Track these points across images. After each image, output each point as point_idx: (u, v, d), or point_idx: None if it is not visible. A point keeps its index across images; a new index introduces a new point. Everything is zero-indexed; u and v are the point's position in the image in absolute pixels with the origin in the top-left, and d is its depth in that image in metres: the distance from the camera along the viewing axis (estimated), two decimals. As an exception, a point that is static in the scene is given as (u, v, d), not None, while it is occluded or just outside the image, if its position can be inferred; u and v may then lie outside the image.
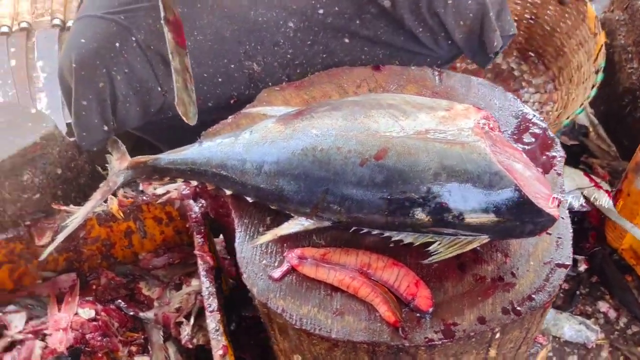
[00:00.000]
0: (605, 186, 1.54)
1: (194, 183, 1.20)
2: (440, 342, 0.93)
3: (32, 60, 1.86)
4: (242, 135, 1.10)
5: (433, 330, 0.94)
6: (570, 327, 1.48)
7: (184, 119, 1.25)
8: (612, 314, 1.52)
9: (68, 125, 1.55)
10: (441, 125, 1.00)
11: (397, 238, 1.00)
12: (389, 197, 0.96)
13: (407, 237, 1.00)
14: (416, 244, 1.00)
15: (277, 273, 1.01)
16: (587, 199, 1.51)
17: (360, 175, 0.98)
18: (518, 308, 0.96)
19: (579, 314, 1.52)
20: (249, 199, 1.08)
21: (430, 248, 0.98)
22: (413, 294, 0.96)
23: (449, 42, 1.42)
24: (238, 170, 1.07)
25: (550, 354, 1.46)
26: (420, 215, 0.96)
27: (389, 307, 0.95)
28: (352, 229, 1.03)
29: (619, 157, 1.76)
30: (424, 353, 0.95)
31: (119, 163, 1.22)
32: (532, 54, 1.98)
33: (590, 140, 1.82)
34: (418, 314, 0.95)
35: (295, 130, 1.05)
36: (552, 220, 0.95)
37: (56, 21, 1.95)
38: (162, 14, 1.23)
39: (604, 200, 1.48)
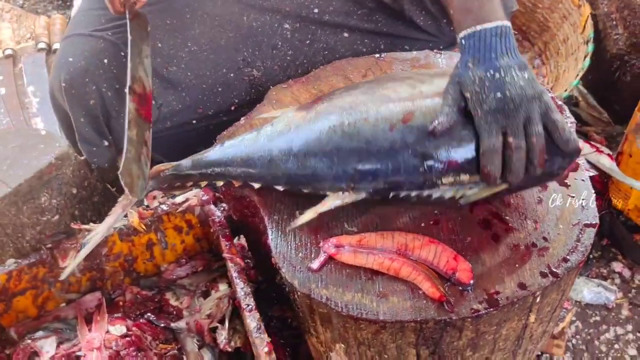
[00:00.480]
0: (606, 150, 1.57)
1: (219, 183, 1.18)
2: (485, 312, 0.94)
3: (22, 87, 1.85)
4: (264, 129, 1.11)
5: (477, 301, 0.95)
6: (589, 291, 1.52)
7: (127, 190, 1.11)
8: (627, 273, 1.56)
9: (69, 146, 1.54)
10: None
11: (437, 195, 1.02)
12: (423, 154, 0.98)
13: (448, 192, 1.02)
14: (457, 197, 1.02)
15: (315, 264, 1.02)
16: (591, 164, 1.54)
17: (391, 139, 0.99)
18: (555, 270, 0.98)
19: (595, 277, 1.56)
20: (280, 188, 1.09)
21: (468, 192, 1.01)
22: (453, 269, 0.97)
23: (452, 27, 1.43)
24: (266, 160, 1.07)
25: (574, 318, 1.49)
26: (455, 166, 0.98)
27: (432, 283, 0.96)
28: (391, 195, 1.03)
29: (612, 122, 1.81)
30: (470, 325, 0.96)
31: None
32: (516, 32, 2.03)
33: (581, 109, 1.86)
34: (460, 287, 0.97)
35: (319, 112, 1.06)
36: (577, 150, 1.00)
37: (41, 45, 1.94)
38: (128, 83, 1.17)
39: (607, 163, 1.52)
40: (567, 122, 1.08)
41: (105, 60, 1.30)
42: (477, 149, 0.96)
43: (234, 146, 1.11)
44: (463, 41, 0.98)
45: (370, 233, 1.03)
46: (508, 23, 0.97)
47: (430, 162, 0.98)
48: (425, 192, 1.02)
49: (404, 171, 1.00)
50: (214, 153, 1.14)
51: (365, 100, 1.04)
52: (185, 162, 1.16)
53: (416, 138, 0.98)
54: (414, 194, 1.02)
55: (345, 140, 1.01)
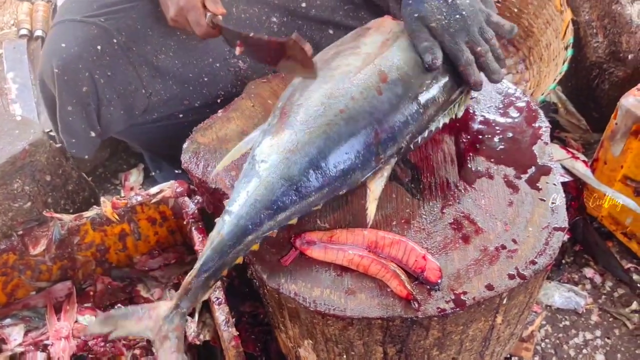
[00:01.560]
0: (582, 157, 1.59)
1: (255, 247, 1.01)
2: (452, 311, 0.95)
3: (2, 72, 1.83)
4: (259, 168, 0.99)
5: (444, 301, 0.96)
6: (560, 295, 1.53)
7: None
8: (598, 279, 1.58)
9: (47, 133, 1.53)
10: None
11: (436, 126, 1.12)
12: (416, 96, 1.06)
13: (444, 119, 1.13)
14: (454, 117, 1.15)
15: (286, 259, 1.02)
16: (566, 170, 1.56)
17: (387, 100, 1.03)
18: (523, 272, 0.99)
19: (566, 282, 1.57)
20: (319, 207, 1.03)
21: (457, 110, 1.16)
22: (422, 268, 0.98)
23: None
24: (292, 193, 0.97)
25: (544, 322, 1.50)
26: (445, 90, 1.10)
27: (400, 281, 0.97)
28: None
29: (590, 129, 1.83)
30: (436, 324, 0.97)
31: (160, 307, 0.98)
32: (502, 37, 2.04)
33: (560, 115, 1.88)
34: (428, 286, 0.98)
35: (304, 122, 1.01)
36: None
37: (23, 31, 1.92)
38: None
39: (582, 170, 1.53)
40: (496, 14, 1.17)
41: (99, 47, 1.29)
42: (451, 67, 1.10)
43: (245, 203, 0.96)
44: None
45: (341, 229, 1.03)
46: None
47: (426, 99, 1.07)
48: (432, 126, 1.11)
49: (412, 120, 1.05)
50: (225, 226, 0.96)
51: (332, 87, 1.04)
52: (206, 258, 0.96)
53: (403, 87, 1.05)
54: (421, 137, 1.10)
55: (352, 125, 1.01)
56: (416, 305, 0.95)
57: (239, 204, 0.97)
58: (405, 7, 1.11)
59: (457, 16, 1.08)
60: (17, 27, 1.95)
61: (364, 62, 1.08)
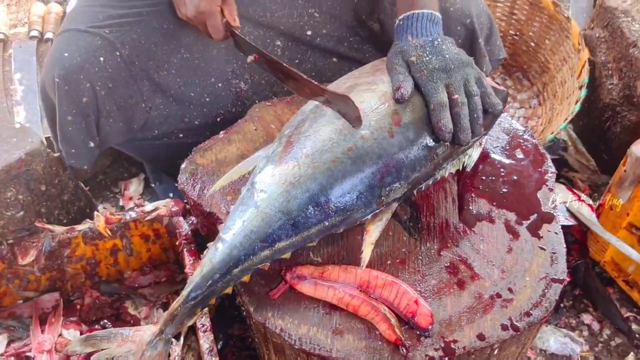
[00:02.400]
0: (588, 200, 1.56)
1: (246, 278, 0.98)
2: (440, 360, 0.93)
3: (9, 73, 1.82)
4: (258, 198, 0.96)
5: (433, 348, 0.93)
6: (555, 340, 1.50)
7: None
8: (596, 326, 1.54)
9: (47, 139, 1.51)
10: None
11: (442, 174, 1.09)
12: (426, 144, 1.03)
13: (451, 167, 1.10)
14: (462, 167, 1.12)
15: (274, 292, 1.00)
16: (570, 212, 1.53)
17: (398, 143, 1.01)
18: (516, 324, 0.96)
19: (563, 327, 1.53)
20: (314, 243, 1.00)
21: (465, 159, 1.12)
22: (413, 312, 0.95)
23: None
24: (289, 226, 0.95)
25: (538, 367, 1.47)
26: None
27: (389, 325, 0.94)
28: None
29: (599, 171, 1.80)
30: (424, 371, 0.95)
31: (144, 332, 0.97)
32: (517, 70, 2.02)
33: (569, 154, 1.85)
34: (418, 332, 0.95)
35: (309, 155, 0.99)
36: (500, 112, 1.11)
37: (34, 32, 1.91)
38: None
39: (587, 214, 1.51)
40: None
41: (102, 59, 1.28)
42: None
43: (239, 233, 0.94)
44: (401, 22, 1.12)
45: (334, 266, 1.01)
46: (439, 15, 1.13)
47: (436, 147, 1.04)
48: (439, 174, 1.08)
49: (419, 166, 1.03)
50: (217, 254, 0.94)
51: (343, 123, 1.01)
52: (194, 286, 0.93)
53: (415, 132, 1.02)
54: (425, 183, 1.07)
55: (358, 165, 0.98)
56: (404, 351, 0.93)
57: (233, 232, 0.95)
58: (392, 46, 1.13)
59: (440, 57, 1.06)
60: (28, 28, 1.94)
61: (379, 101, 1.05)
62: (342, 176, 0.97)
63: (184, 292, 0.94)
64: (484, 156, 1.19)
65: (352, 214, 0.99)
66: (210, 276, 0.93)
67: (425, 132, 1.03)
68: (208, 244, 0.99)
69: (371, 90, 1.07)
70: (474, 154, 1.13)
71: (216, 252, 0.94)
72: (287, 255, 0.98)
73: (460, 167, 1.12)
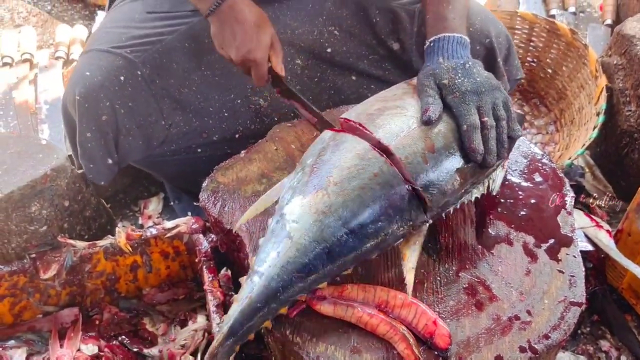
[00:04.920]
0: (606, 226, 1.55)
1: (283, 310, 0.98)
2: (458, 381, 0.93)
3: (35, 92, 1.86)
4: (290, 229, 0.96)
5: (451, 369, 0.94)
6: (573, 367, 1.48)
7: None
8: (614, 354, 1.52)
9: (69, 157, 1.54)
10: None
11: (475, 196, 1.09)
12: (460, 166, 1.04)
13: (478, 192, 1.10)
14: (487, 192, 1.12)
15: (292, 310, 0.99)
16: (588, 238, 1.53)
17: (430, 168, 1.01)
18: (535, 346, 0.96)
19: (581, 353, 1.52)
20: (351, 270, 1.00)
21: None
22: (431, 332, 0.95)
23: None
24: (323, 258, 0.95)
25: (555, 393, 1.45)
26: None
27: (408, 344, 0.94)
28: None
29: (616, 197, 1.79)
30: (441, 392, 0.94)
31: None
32: (535, 96, 2.03)
33: (587, 180, 1.85)
34: (436, 352, 0.95)
35: (334, 185, 0.98)
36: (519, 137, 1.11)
37: (60, 53, 1.96)
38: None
39: (605, 240, 1.50)
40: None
41: (122, 78, 1.31)
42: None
43: (275, 265, 0.93)
44: (432, 44, 1.16)
45: (353, 285, 1.01)
46: (468, 39, 1.17)
47: (467, 171, 1.05)
48: (460, 201, 1.08)
49: (450, 191, 1.03)
50: (255, 288, 0.93)
51: (364, 149, 1.02)
52: (234, 322, 0.92)
53: (447, 157, 1.04)
54: (454, 207, 1.07)
55: (387, 190, 0.98)
56: None
57: (269, 265, 0.94)
58: (423, 68, 1.15)
59: (472, 79, 1.08)
60: (54, 49, 1.99)
61: (409, 125, 1.05)
62: (373, 202, 0.97)
63: (224, 330, 0.92)
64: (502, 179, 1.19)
65: (386, 239, 0.98)
66: (250, 311, 0.92)
67: (457, 156, 1.04)
68: (240, 279, 0.98)
69: (401, 115, 1.08)
70: (498, 178, 1.13)
71: (253, 286, 0.93)
72: (324, 285, 0.97)
73: (485, 191, 1.12)
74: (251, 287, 0.93)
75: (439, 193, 1.02)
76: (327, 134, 1.09)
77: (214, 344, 0.93)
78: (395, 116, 1.07)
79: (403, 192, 0.99)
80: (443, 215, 1.06)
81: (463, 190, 1.06)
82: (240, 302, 0.93)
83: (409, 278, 0.98)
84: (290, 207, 0.98)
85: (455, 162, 1.04)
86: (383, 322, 0.96)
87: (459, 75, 1.09)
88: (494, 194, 1.13)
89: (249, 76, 1.25)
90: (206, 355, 0.93)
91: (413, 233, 1.02)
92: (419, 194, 1.00)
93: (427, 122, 1.05)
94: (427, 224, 1.04)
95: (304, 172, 1.03)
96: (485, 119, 1.05)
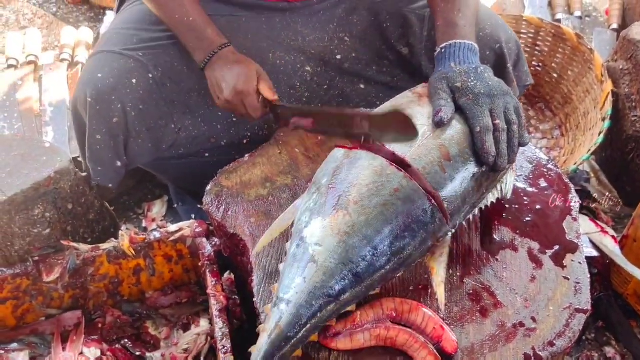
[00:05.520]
0: (611, 231, 1.54)
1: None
2: (462, 388, 0.92)
3: (39, 94, 1.86)
4: (314, 252, 0.93)
5: (456, 376, 0.93)
6: (578, 373, 1.47)
7: None
8: (619, 360, 1.52)
9: (74, 160, 1.54)
10: None
11: (490, 201, 1.11)
12: (476, 172, 1.05)
13: (493, 197, 1.11)
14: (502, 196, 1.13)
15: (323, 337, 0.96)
16: (593, 244, 1.52)
17: (449, 177, 1.02)
18: (539, 353, 0.96)
19: (585, 360, 1.51)
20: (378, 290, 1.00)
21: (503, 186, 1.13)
22: (439, 337, 0.95)
23: None
24: (351, 279, 0.92)
25: (559, 400, 1.44)
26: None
27: (430, 351, 0.93)
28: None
29: (622, 203, 1.78)
30: (446, 398, 0.94)
31: None
32: (540, 100, 2.02)
33: (592, 185, 1.84)
34: (442, 357, 0.94)
35: (355, 204, 0.96)
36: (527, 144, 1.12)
37: (64, 55, 1.96)
38: None
39: (610, 246, 1.49)
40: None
41: (134, 80, 1.31)
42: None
43: (303, 291, 0.90)
44: (443, 50, 1.17)
45: (360, 309, 0.97)
46: (477, 46, 1.19)
47: (482, 177, 1.05)
48: (477, 208, 1.09)
49: (468, 198, 1.04)
50: (284, 316, 0.89)
51: (381, 165, 1.00)
52: (264, 353, 0.88)
53: (463, 165, 1.03)
54: (472, 214, 1.09)
55: (409, 205, 0.97)
56: None
57: (295, 291, 0.90)
58: (435, 73, 1.15)
59: (484, 83, 1.10)
60: (59, 51, 1.99)
61: (423, 135, 1.05)
62: (396, 218, 0.95)
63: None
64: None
65: (412, 255, 0.97)
66: (280, 341, 0.88)
67: (472, 162, 1.04)
68: (265, 307, 0.95)
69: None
70: (509, 181, 1.13)
71: (281, 315, 0.89)
72: (353, 308, 0.95)
73: (500, 195, 1.12)
74: (279, 315, 0.89)
75: (460, 201, 1.02)
76: (339, 152, 1.06)
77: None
78: None
79: (425, 206, 0.97)
80: (464, 223, 1.06)
81: (480, 196, 1.06)
82: (269, 332, 0.88)
83: (439, 293, 0.96)
84: (311, 230, 0.95)
85: (471, 167, 1.04)
86: (402, 332, 0.95)
87: (472, 78, 1.10)
88: (508, 197, 1.13)
89: (245, 117, 1.26)
90: None
91: (437, 245, 1.01)
92: (440, 205, 0.99)
93: (438, 124, 1.05)
94: (450, 234, 1.03)
95: (320, 193, 1.00)
96: (498, 121, 1.06)
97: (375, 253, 0.93)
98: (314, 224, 0.96)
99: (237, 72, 1.22)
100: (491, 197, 1.11)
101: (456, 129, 1.07)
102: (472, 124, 1.06)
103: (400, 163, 1.01)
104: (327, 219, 0.95)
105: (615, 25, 2.29)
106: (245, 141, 1.46)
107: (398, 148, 1.02)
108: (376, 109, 1.17)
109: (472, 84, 1.09)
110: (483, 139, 1.04)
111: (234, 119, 1.43)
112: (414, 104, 1.13)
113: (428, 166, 1.01)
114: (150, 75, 1.32)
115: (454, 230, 1.03)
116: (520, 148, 1.12)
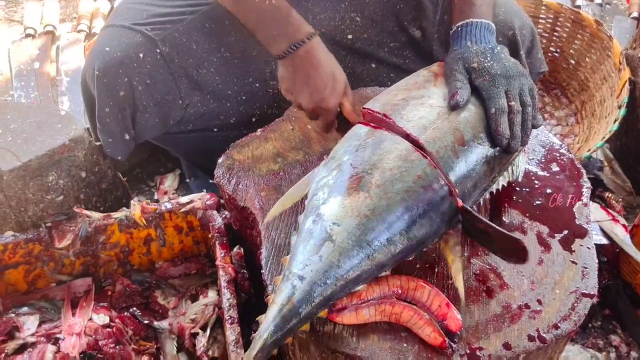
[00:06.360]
0: (622, 220, 1.54)
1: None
2: (465, 366, 0.92)
3: (56, 64, 1.87)
4: (328, 233, 0.91)
5: (459, 354, 0.93)
6: (582, 360, 1.48)
7: None
8: (624, 349, 1.51)
9: (87, 130, 1.55)
10: None
11: (502, 184, 1.11)
12: (487, 158, 1.04)
13: (503, 180, 1.11)
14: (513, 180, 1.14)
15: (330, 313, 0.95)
16: (604, 232, 1.52)
17: (463, 162, 1.01)
18: (544, 335, 0.96)
19: (590, 347, 1.51)
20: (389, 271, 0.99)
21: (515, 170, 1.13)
22: (444, 315, 0.95)
23: None
24: (368, 262, 0.92)
25: (562, 386, 1.45)
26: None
27: (435, 328, 0.93)
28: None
29: (634, 192, 1.77)
30: (447, 376, 0.94)
31: None
32: (556, 87, 2.01)
33: (605, 174, 1.83)
34: (446, 336, 0.95)
35: (377, 187, 0.95)
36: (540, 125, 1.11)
37: (82, 26, 1.97)
38: None
39: (621, 234, 1.49)
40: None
41: (141, 55, 1.31)
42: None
43: (319, 269, 0.89)
44: (459, 29, 1.16)
45: (366, 286, 0.96)
46: (494, 25, 1.18)
47: (495, 161, 1.05)
48: (488, 192, 1.09)
49: (480, 183, 1.04)
50: (297, 292, 0.88)
51: (406, 149, 1.00)
52: (275, 328, 0.86)
53: (477, 149, 1.03)
54: (483, 197, 1.09)
55: (429, 193, 0.96)
56: (450, 351, 0.92)
57: (311, 269, 0.89)
58: (451, 52, 1.14)
59: (500, 64, 1.09)
60: (77, 22, 2.00)
61: (437, 117, 1.04)
62: (417, 205, 0.95)
63: (264, 335, 0.86)
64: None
65: (426, 241, 0.97)
66: (291, 316, 0.87)
67: (486, 145, 1.04)
68: (275, 279, 0.95)
69: (426, 105, 1.07)
70: (521, 164, 1.13)
71: (294, 290, 0.88)
72: (364, 287, 0.95)
73: (511, 178, 1.12)
74: (292, 291, 0.88)
75: (472, 186, 1.02)
76: (361, 129, 1.05)
77: (255, 349, 0.86)
78: (421, 106, 1.06)
79: (444, 194, 0.97)
80: (474, 207, 1.06)
81: (491, 179, 1.06)
82: (279, 306, 0.87)
83: (458, 282, 0.97)
84: (329, 208, 0.94)
85: (484, 151, 1.03)
86: (407, 309, 0.95)
87: (488, 58, 1.09)
88: (519, 180, 1.13)
89: (314, 121, 1.24)
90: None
91: (451, 233, 1.01)
92: (453, 192, 0.98)
93: (454, 107, 1.05)
94: (460, 222, 1.02)
95: (341, 171, 0.98)
96: (512, 103, 1.05)
97: (392, 239, 0.93)
98: (332, 202, 0.95)
99: (325, 82, 1.18)
100: (502, 180, 1.10)
101: (471, 111, 1.06)
102: (488, 105, 1.06)
103: (414, 143, 1.00)
104: (347, 199, 0.94)
105: (635, 14, 2.27)
106: (254, 119, 1.46)
107: (413, 129, 1.02)
108: (390, 88, 1.16)
109: (489, 64, 1.08)
110: (498, 120, 1.04)
111: (244, 97, 1.43)
112: (429, 83, 1.12)
113: (441, 150, 1.00)
114: (158, 50, 1.33)
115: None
116: (533, 131, 1.11)
